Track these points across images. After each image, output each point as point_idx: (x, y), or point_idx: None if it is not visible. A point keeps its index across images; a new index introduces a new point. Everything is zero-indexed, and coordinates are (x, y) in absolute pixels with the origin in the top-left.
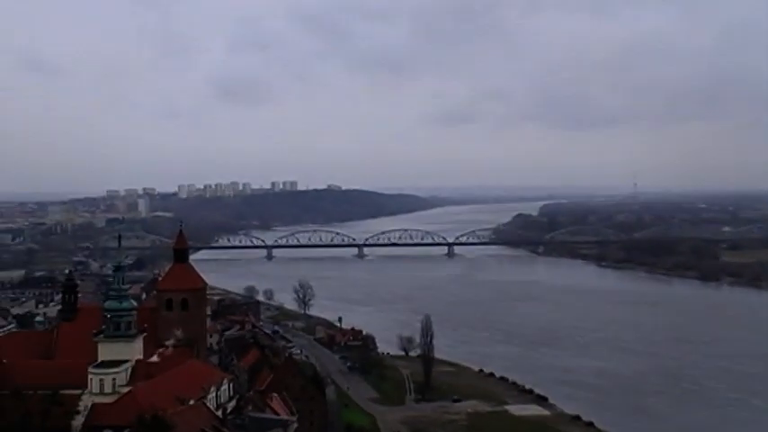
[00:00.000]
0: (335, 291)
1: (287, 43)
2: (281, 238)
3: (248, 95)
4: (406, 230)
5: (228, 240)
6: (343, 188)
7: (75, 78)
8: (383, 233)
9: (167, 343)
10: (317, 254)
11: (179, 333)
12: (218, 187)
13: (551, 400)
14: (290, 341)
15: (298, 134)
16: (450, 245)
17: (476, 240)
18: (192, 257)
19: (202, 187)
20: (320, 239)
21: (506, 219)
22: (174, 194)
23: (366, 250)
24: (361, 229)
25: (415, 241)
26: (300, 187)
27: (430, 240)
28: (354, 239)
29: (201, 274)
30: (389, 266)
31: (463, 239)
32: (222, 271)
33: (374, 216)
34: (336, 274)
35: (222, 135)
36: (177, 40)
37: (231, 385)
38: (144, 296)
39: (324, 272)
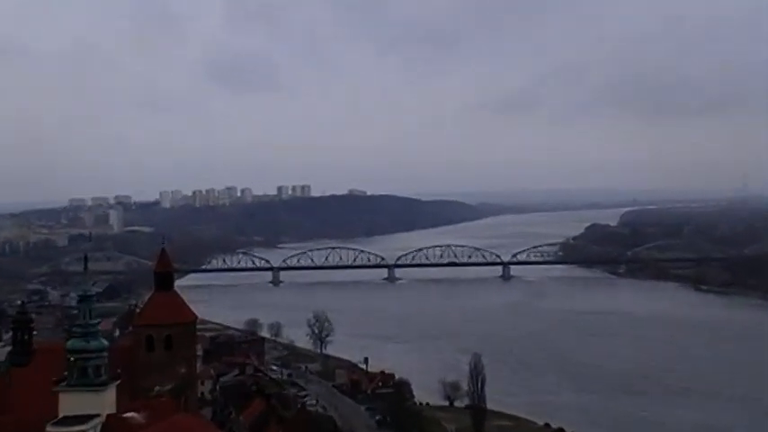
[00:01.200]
0: (360, 324)
1: (298, 14)
2: (290, 257)
3: (248, 80)
4: (448, 246)
5: (224, 261)
6: (369, 194)
7: (31, 60)
8: (420, 250)
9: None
10: (337, 277)
11: (162, 379)
12: (211, 194)
13: None
14: (304, 388)
15: (311, 128)
16: (505, 264)
17: (538, 259)
18: (179, 283)
19: (191, 194)
20: (340, 259)
21: (577, 231)
22: (156, 204)
23: (398, 272)
24: (393, 246)
25: (461, 260)
26: (315, 193)
27: (480, 259)
28: (383, 259)
29: (190, 305)
30: (428, 292)
31: (522, 257)
32: (217, 300)
33: (408, 228)
34: (361, 302)
35: (216, 129)
36: (158, 9)
37: None
38: (117, 333)
39: (345, 300)
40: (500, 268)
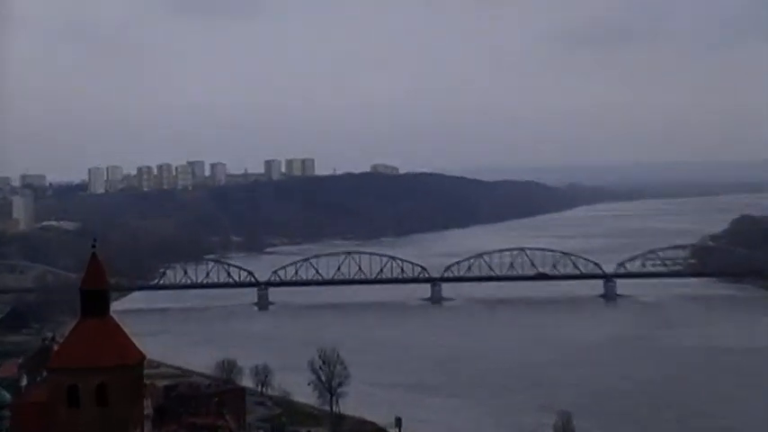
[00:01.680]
0: (389, 368)
1: None
2: (284, 267)
3: (217, 2)
4: (521, 250)
5: (186, 273)
6: (402, 171)
7: None
8: (479, 257)
9: None
10: (354, 297)
11: None
12: (166, 173)
13: None
14: None
15: (313, 73)
16: (608, 278)
17: (657, 269)
18: (118, 305)
19: (135, 173)
20: (358, 270)
21: (717, 226)
22: (82, 187)
23: (446, 289)
24: (437, 250)
25: (540, 271)
26: (321, 171)
27: (569, 270)
28: (424, 269)
29: (135, 338)
30: (491, 319)
31: (632, 267)
32: (175, 331)
33: (461, 223)
34: (390, 334)
35: (173, 74)
36: None
37: None
38: (25, 381)
39: (366, 331)
40: (600, 283)
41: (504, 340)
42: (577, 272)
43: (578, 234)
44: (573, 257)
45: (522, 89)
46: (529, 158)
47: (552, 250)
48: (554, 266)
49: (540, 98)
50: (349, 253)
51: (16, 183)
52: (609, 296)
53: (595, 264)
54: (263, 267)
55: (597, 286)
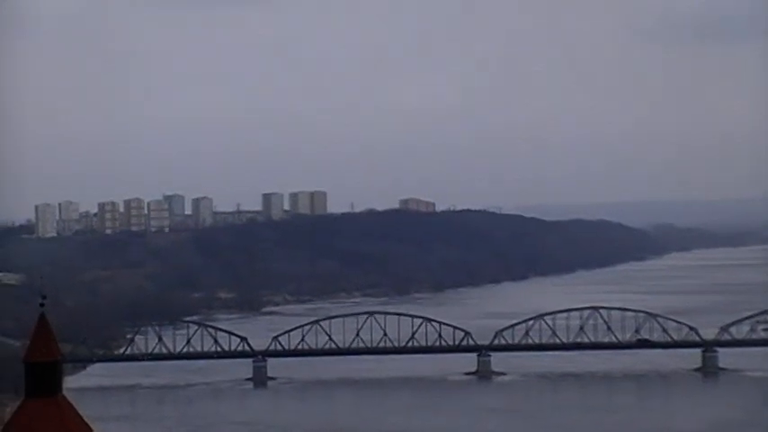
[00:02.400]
0: None
1: None
2: (285, 333)
3: None
4: (595, 310)
5: (160, 340)
6: (439, 208)
7: None
8: (538, 318)
9: None
10: (376, 370)
11: None
12: (135, 210)
13: None
14: None
15: (323, 83)
16: (707, 346)
17: None
18: (73, 382)
19: (95, 210)
20: (384, 335)
21: None
22: (27, 228)
23: (496, 359)
24: (485, 309)
25: (619, 338)
26: (333, 208)
27: (657, 335)
28: (468, 334)
29: (94, 425)
30: (555, 399)
31: (739, 334)
32: (147, 416)
33: (517, 276)
34: (425, 420)
35: (146, 81)
36: None
37: None
38: None
39: (394, 416)
40: (698, 353)
41: (577, 429)
42: (668, 339)
43: (669, 289)
44: (662, 320)
45: (592, 107)
46: (604, 192)
47: (635, 311)
48: (637, 332)
49: (616, 118)
50: (371, 313)
51: None
52: (709, 370)
53: (691, 328)
54: (260, 332)
55: (694, 357)
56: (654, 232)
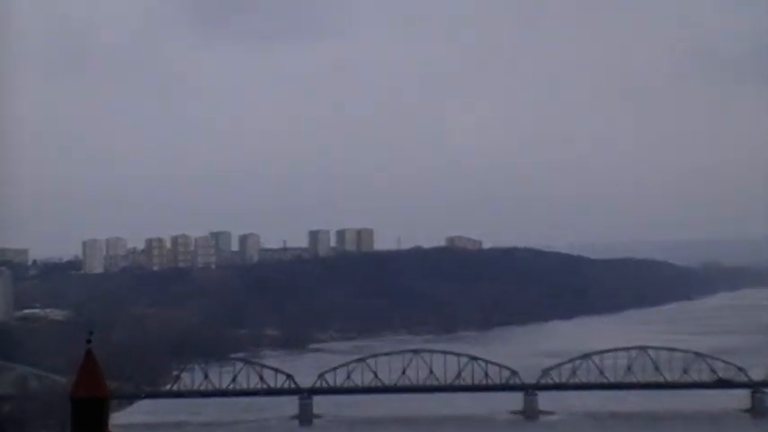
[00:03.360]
0: None
1: None
2: (331, 370)
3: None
4: (642, 349)
5: (207, 377)
6: (486, 246)
7: None
8: (585, 357)
9: None
10: (421, 409)
11: None
12: (181, 246)
13: None
14: None
15: (368, 118)
16: (756, 387)
17: None
18: (120, 419)
19: (142, 247)
20: (430, 373)
21: None
22: (75, 265)
23: (543, 398)
24: (531, 348)
25: (669, 378)
26: (380, 245)
27: (704, 375)
28: (514, 373)
29: None
30: None
31: None
32: None
33: (564, 315)
34: None
35: (190, 117)
36: None
37: None
38: None
39: None
40: (747, 394)
41: None
42: (715, 378)
43: (716, 329)
44: (710, 360)
45: (639, 143)
46: (652, 231)
47: (683, 350)
48: (685, 371)
49: (664, 153)
50: (417, 351)
51: None
52: (758, 410)
53: (739, 368)
54: (306, 370)
55: (743, 397)
56: (702, 271)
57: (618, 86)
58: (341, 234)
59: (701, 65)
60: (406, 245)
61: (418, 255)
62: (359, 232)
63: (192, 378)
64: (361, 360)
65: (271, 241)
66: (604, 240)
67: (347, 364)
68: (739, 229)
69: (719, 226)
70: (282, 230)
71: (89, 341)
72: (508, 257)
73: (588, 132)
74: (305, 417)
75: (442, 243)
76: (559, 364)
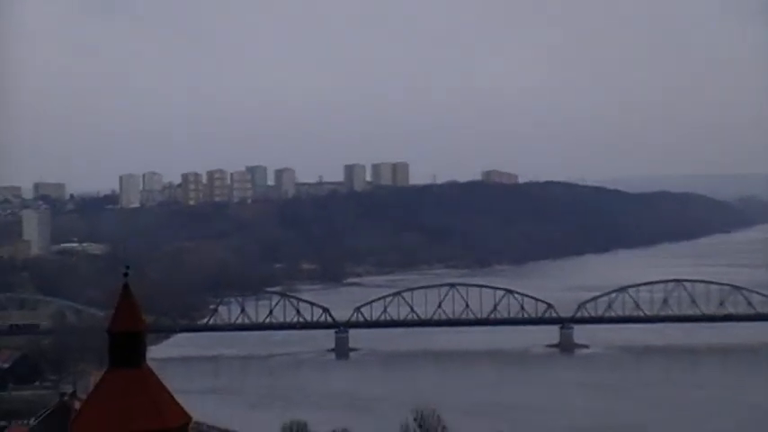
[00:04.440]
0: None
1: None
2: (368, 303)
3: None
4: (678, 283)
5: (243, 310)
6: (522, 180)
7: None
8: (622, 291)
9: None
10: (457, 342)
11: None
12: (217, 181)
13: None
14: None
15: (406, 55)
16: None
17: None
18: (156, 352)
19: (178, 181)
20: (466, 307)
21: None
22: (112, 198)
23: (579, 332)
24: (567, 282)
25: (705, 310)
26: (416, 179)
27: (742, 308)
28: (550, 306)
29: (178, 396)
30: (640, 373)
31: None
32: (230, 387)
33: (599, 248)
34: (508, 392)
35: (228, 56)
36: None
37: None
38: None
39: (476, 388)
40: None
41: (666, 405)
42: (753, 311)
43: (754, 262)
44: (746, 292)
45: (679, 79)
46: (688, 165)
47: (719, 283)
48: (721, 304)
49: (701, 92)
50: (453, 285)
51: (28, 194)
52: None
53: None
54: (342, 303)
55: None
56: (739, 205)
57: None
58: (376, 168)
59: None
60: (442, 179)
61: (453, 189)
62: (394, 166)
63: (228, 312)
64: (397, 294)
65: (306, 175)
66: (640, 174)
67: (383, 297)
68: None
69: (756, 161)
70: (318, 164)
71: (126, 275)
72: (543, 191)
73: (628, 71)
74: (341, 350)
75: (478, 177)
76: (595, 298)
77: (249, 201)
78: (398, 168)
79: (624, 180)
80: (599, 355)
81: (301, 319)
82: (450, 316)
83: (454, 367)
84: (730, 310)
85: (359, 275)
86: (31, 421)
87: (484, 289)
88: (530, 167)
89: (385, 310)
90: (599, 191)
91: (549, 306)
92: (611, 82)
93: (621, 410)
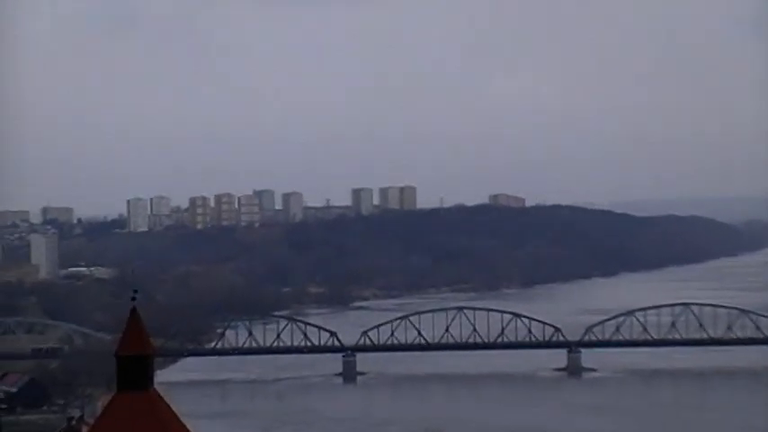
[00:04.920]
0: None
1: None
2: (375, 327)
3: None
4: (686, 306)
5: (251, 334)
6: (529, 204)
7: None
8: (629, 314)
9: None
10: (465, 366)
11: None
12: (225, 205)
13: None
14: None
15: (414, 77)
16: None
17: None
18: (163, 376)
19: (186, 206)
20: (473, 330)
21: None
22: (119, 223)
23: (587, 356)
24: (576, 305)
25: (711, 335)
26: (423, 203)
27: (749, 331)
28: (558, 330)
29: (185, 419)
30: (648, 396)
31: None
32: (238, 410)
33: (607, 272)
34: (516, 416)
35: (235, 77)
36: None
37: None
38: None
39: (484, 411)
40: None
41: (669, 427)
42: (760, 335)
43: (762, 286)
44: (754, 316)
45: (686, 102)
46: (695, 188)
47: (727, 307)
48: (729, 328)
49: (709, 114)
50: (461, 309)
51: (36, 218)
52: None
53: None
54: (349, 327)
55: None
56: (746, 228)
57: (671, 46)
58: (384, 192)
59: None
60: (449, 203)
61: (461, 212)
62: (402, 190)
63: (236, 336)
64: (405, 317)
65: (314, 199)
66: (647, 198)
67: (390, 321)
68: None
69: (763, 183)
70: (326, 189)
71: (134, 299)
72: (551, 215)
73: (637, 93)
74: (348, 374)
75: (485, 201)
76: (603, 321)
77: (257, 224)
78: (406, 192)
79: (631, 204)
80: (607, 379)
81: (309, 343)
82: (458, 340)
83: (462, 391)
84: (738, 333)
85: (366, 299)
86: None
87: (491, 313)
88: (537, 191)
89: (392, 334)
90: (606, 214)
91: (557, 330)
92: (618, 104)
93: None
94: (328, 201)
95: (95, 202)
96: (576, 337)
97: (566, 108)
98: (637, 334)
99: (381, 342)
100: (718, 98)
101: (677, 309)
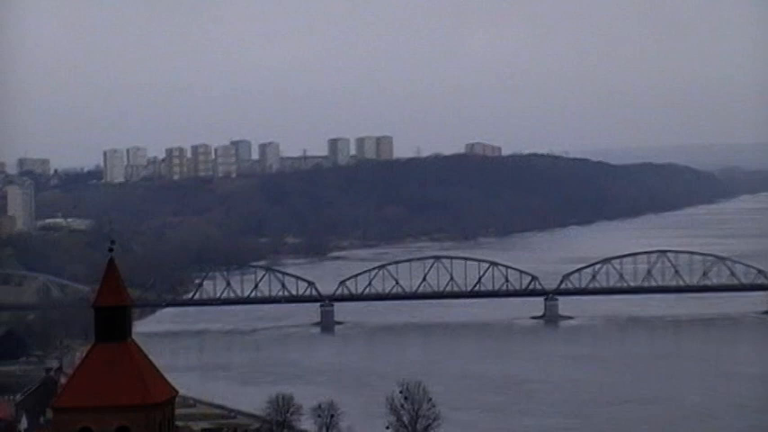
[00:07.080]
0: (494, 411)
1: None
2: (352, 277)
3: None
4: (662, 253)
5: (228, 285)
6: (505, 153)
7: None
8: (605, 262)
9: None
10: (442, 314)
11: None
12: (201, 156)
13: None
14: None
15: (389, 28)
16: None
17: None
18: (141, 327)
19: (162, 156)
20: (450, 279)
21: None
22: (95, 174)
23: (563, 303)
24: (551, 255)
25: (689, 281)
26: (400, 153)
27: (724, 278)
28: (535, 279)
29: (164, 371)
30: (624, 344)
31: None
32: (215, 362)
33: (583, 220)
34: (493, 364)
35: (211, 29)
36: None
37: None
38: (24, 423)
39: (461, 360)
40: (767, 297)
41: (651, 375)
42: (736, 282)
43: (737, 233)
44: (730, 263)
45: (659, 52)
46: (672, 136)
47: (703, 254)
48: (705, 275)
49: (684, 62)
50: (437, 258)
51: (12, 169)
52: None
53: (759, 271)
54: (327, 277)
55: (762, 301)
56: (722, 175)
57: None
58: (360, 142)
59: None
60: (426, 152)
61: (437, 162)
62: (378, 140)
63: (213, 286)
64: (382, 267)
65: (291, 150)
66: (624, 146)
67: (368, 271)
68: (759, 133)
69: (738, 131)
70: (302, 139)
71: (111, 250)
72: (527, 164)
73: (612, 43)
74: (326, 324)
75: (462, 150)
76: (579, 269)
77: (233, 175)
78: (382, 142)
79: (608, 152)
80: (584, 327)
81: (287, 293)
82: (435, 289)
83: (440, 340)
84: (714, 280)
85: (344, 249)
86: (17, 396)
87: (468, 262)
88: (513, 140)
89: (370, 284)
90: (583, 163)
91: (534, 278)
92: (593, 52)
93: (604, 380)
94: (305, 151)
95: (72, 153)
96: (553, 286)
97: (542, 59)
98: (613, 281)
99: (359, 292)
100: (696, 47)
101: (653, 256)
